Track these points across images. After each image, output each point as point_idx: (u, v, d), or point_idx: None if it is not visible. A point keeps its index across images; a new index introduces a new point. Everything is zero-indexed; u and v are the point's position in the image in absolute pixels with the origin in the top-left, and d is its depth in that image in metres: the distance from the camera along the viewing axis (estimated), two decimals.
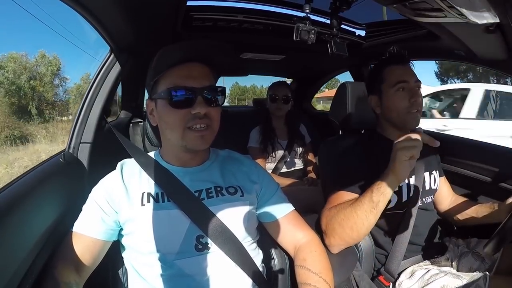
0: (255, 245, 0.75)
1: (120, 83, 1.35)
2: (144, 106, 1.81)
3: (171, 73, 0.66)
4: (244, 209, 0.72)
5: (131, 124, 1.54)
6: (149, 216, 0.65)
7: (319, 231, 0.86)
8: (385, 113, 0.98)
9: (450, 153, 1.29)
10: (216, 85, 0.72)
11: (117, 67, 1.09)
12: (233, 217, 0.69)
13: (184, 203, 0.67)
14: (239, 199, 0.72)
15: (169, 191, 0.68)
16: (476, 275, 0.79)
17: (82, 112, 1.01)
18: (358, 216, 0.76)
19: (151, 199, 0.67)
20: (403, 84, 0.92)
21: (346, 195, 0.86)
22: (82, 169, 0.97)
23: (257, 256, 0.73)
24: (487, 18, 0.62)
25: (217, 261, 0.65)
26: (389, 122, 0.98)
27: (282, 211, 0.79)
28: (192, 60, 0.67)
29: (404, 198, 0.92)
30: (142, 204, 0.66)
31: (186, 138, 0.66)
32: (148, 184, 0.70)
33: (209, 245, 0.66)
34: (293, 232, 0.77)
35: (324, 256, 0.74)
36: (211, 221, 0.66)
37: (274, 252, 0.83)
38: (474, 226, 1.00)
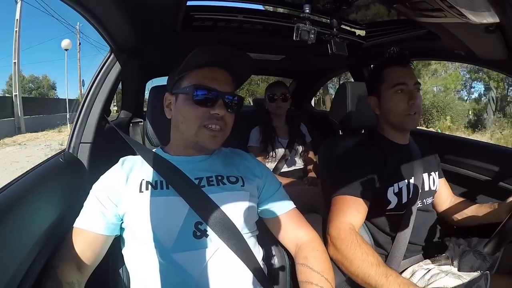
0: (254, 239, 0.75)
1: (120, 83, 1.35)
2: (145, 107, 1.82)
3: (198, 73, 0.71)
4: (245, 199, 0.73)
5: (131, 124, 1.54)
6: (147, 202, 0.66)
7: (322, 231, 0.87)
8: (383, 114, 0.98)
9: (450, 152, 1.29)
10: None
11: (117, 67, 1.09)
12: (232, 206, 0.70)
13: (182, 190, 0.68)
14: (240, 188, 0.73)
15: (168, 178, 0.70)
16: (477, 274, 0.78)
17: (82, 112, 1.01)
18: (367, 279, 0.74)
19: (150, 187, 0.69)
20: (401, 86, 0.92)
21: (351, 200, 0.87)
22: (82, 169, 0.96)
23: (257, 252, 0.73)
24: (487, 18, 0.62)
25: (216, 252, 0.65)
26: (388, 123, 0.98)
27: (284, 208, 0.79)
28: (219, 65, 0.72)
29: (404, 200, 0.92)
30: (141, 191, 0.68)
31: (199, 135, 0.70)
32: (147, 173, 0.71)
33: (207, 232, 0.66)
34: (295, 230, 0.78)
35: (326, 255, 0.75)
36: (210, 208, 0.67)
37: (274, 249, 0.83)
38: (474, 226, 1.00)
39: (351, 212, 0.85)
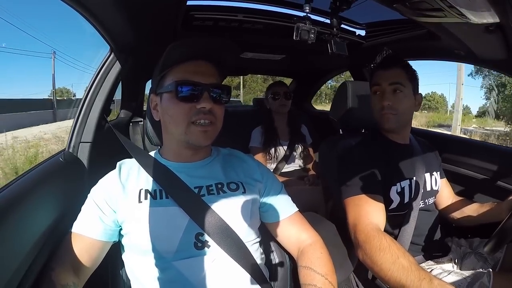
0: (257, 245, 0.74)
1: (120, 83, 1.35)
2: (145, 106, 1.82)
3: (179, 69, 0.68)
4: (246, 206, 0.71)
5: (131, 124, 1.54)
6: (146, 213, 0.64)
7: (344, 236, 0.86)
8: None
9: (449, 152, 1.29)
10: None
11: (117, 67, 1.09)
12: (234, 214, 0.69)
13: (182, 200, 0.66)
14: (241, 196, 0.71)
15: (167, 187, 0.67)
16: (480, 272, 0.78)
17: (82, 112, 1.01)
18: (398, 284, 0.70)
19: (148, 196, 0.66)
20: (376, 87, 0.97)
21: (365, 198, 0.86)
22: (82, 168, 0.96)
23: (260, 257, 0.72)
24: (487, 18, 0.62)
25: (217, 260, 0.64)
26: None
27: (287, 211, 0.78)
28: (199, 58, 0.68)
29: (406, 200, 0.92)
30: (139, 201, 0.66)
31: (189, 132, 0.67)
32: (146, 182, 0.69)
33: (208, 243, 0.65)
34: (298, 234, 0.77)
35: (329, 258, 0.73)
36: (211, 218, 0.65)
37: (275, 252, 0.83)
38: (476, 226, 1.00)
39: (371, 211, 0.83)
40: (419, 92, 1.00)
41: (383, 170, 0.91)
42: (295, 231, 0.77)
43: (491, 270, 0.77)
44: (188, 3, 1.00)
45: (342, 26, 1.23)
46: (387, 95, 0.94)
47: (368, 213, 0.83)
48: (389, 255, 0.73)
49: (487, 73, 14.08)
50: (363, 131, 1.25)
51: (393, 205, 0.91)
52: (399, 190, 0.92)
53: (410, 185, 0.93)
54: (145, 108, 1.78)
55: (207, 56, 0.69)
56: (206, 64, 0.69)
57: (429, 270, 0.87)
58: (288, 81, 2.65)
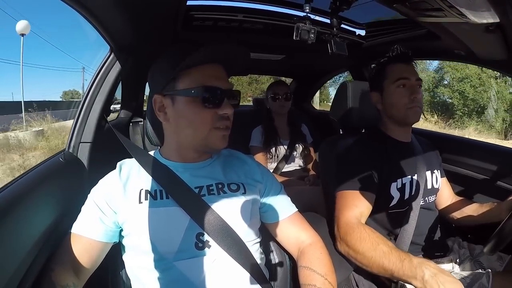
0: (257, 245, 0.74)
1: (120, 83, 1.35)
2: (145, 106, 1.82)
3: (198, 72, 0.65)
4: (247, 206, 0.71)
5: (131, 124, 1.54)
6: (147, 213, 0.64)
7: (330, 230, 0.87)
8: (386, 109, 0.99)
9: (448, 152, 1.29)
10: None
11: (117, 67, 1.09)
12: (235, 214, 0.69)
13: (183, 200, 0.66)
14: (242, 196, 0.71)
15: (167, 187, 0.67)
16: (479, 273, 0.78)
17: (82, 112, 1.01)
18: (381, 269, 0.75)
19: (149, 196, 0.66)
20: (404, 81, 0.94)
21: (353, 194, 0.87)
22: (82, 168, 0.97)
23: (260, 257, 0.72)
24: (487, 18, 0.62)
25: (217, 260, 0.64)
26: (391, 118, 0.99)
27: (286, 212, 0.78)
28: (216, 62, 0.68)
29: (406, 196, 0.92)
30: (140, 202, 0.65)
31: (210, 137, 0.67)
32: (146, 182, 0.69)
33: (209, 243, 0.65)
34: (297, 234, 0.77)
35: (329, 258, 0.74)
36: (212, 218, 0.65)
37: (276, 252, 0.83)
38: (476, 226, 1.00)
39: (355, 205, 0.86)
40: None
41: (381, 167, 0.91)
42: (294, 231, 0.77)
43: (490, 270, 0.77)
44: (188, 3, 1.00)
45: (342, 26, 1.23)
46: (416, 88, 0.95)
47: (351, 207, 0.85)
48: (370, 244, 0.77)
49: None
50: (363, 131, 1.25)
51: (394, 202, 0.92)
52: (399, 186, 0.92)
53: (411, 182, 0.93)
54: (145, 108, 1.78)
55: (223, 61, 0.69)
56: (219, 67, 0.69)
57: None
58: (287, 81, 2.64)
